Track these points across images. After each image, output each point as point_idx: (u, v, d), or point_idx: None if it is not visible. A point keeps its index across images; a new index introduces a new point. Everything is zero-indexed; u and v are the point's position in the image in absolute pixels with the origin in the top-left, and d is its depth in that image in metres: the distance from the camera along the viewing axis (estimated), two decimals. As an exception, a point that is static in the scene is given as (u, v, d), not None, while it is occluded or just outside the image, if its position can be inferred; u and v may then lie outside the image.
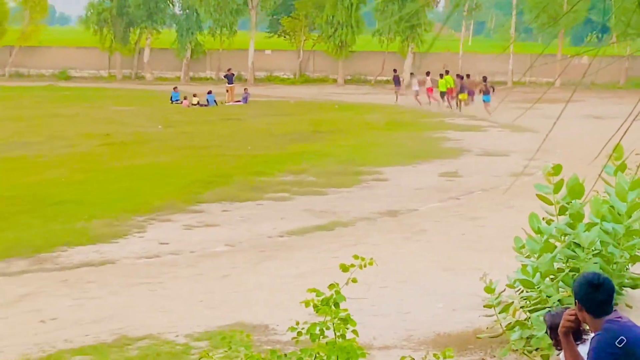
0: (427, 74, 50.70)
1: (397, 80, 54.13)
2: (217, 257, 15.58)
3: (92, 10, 69.71)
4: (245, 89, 51.86)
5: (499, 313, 9.82)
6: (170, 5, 71.59)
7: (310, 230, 17.72)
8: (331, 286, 5.98)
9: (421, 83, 49.84)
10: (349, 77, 68.16)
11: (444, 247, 15.93)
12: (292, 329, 5.91)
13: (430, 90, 49.15)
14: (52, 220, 18.07)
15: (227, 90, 51.92)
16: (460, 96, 46.12)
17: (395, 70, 56.67)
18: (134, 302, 12.55)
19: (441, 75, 48.02)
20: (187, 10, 69.53)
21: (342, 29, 66.62)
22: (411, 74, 57.18)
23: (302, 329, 5.85)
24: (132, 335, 10.95)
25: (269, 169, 25.50)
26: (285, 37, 72.34)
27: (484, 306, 9.94)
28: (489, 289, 9.60)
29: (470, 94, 46.62)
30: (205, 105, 47.57)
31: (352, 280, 5.98)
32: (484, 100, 43.37)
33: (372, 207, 20.13)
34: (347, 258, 6.40)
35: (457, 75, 49.11)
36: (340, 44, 67.00)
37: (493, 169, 26.05)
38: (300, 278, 13.75)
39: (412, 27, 66.31)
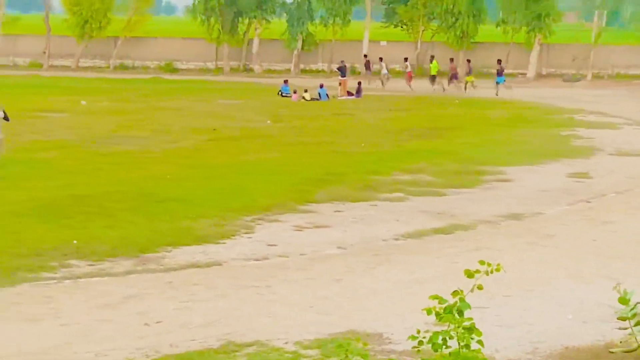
0: (405, 59, 60.52)
1: (367, 66, 60.04)
2: (329, 260, 15.63)
3: (199, 0, 70.75)
4: (358, 83, 51.94)
5: (634, 326, 9.61)
6: (281, -7, 72.25)
7: (428, 234, 17.64)
8: (455, 293, 5.93)
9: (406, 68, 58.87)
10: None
11: (572, 254, 15.67)
12: (413, 337, 5.88)
13: (409, 74, 57.53)
14: (157, 218, 18.39)
15: (340, 84, 52.09)
16: (467, 78, 54.11)
17: (365, 55, 62.91)
18: (242, 306, 12.68)
19: (431, 60, 57.83)
20: (299, -1, 70.07)
21: (463, 19, 66.21)
22: (380, 58, 60.85)
23: (424, 337, 5.82)
24: (240, 341, 11.06)
25: (383, 167, 25.47)
26: (402, 27, 72.19)
27: (618, 318, 9.73)
28: (623, 300, 9.40)
29: (455, 77, 55.10)
30: (317, 100, 47.82)
31: (478, 287, 5.92)
32: (497, 82, 52.10)
33: (494, 209, 19.93)
34: (467, 264, 6.35)
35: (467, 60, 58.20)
36: (461, 35, 66.60)
37: (628, 169, 25.52)
38: (416, 284, 13.70)
39: (539, 16, 65.42)
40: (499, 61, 56.36)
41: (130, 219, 18.30)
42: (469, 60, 57.78)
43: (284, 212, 19.47)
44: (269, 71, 68.89)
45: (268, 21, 71.35)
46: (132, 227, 17.62)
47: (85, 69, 70.01)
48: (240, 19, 71.06)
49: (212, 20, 70.29)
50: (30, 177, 23.36)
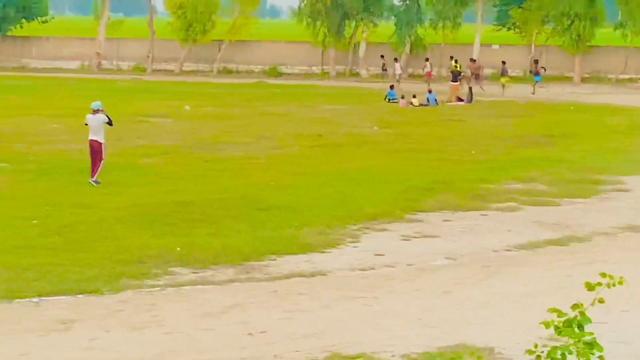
0: (426, 59, 64.27)
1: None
2: (437, 271, 15.58)
3: (305, 2, 71.15)
4: (469, 88, 51.62)
5: None
6: (390, -4, 72.22)
7: (541, 245, 17.46)
8: (575, 306, 5.86)
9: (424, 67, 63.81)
10: (586, 75, 66.63)
11: (695, 269, 15.32)
12: (530, 352, 5.82)
13: (429, 74, 62.30)
14: (261, 226, 18.56)
15: (451, 89, 51.91)
16: (502, 79, 57.41)
17: (382, 56, 67.70)
18: (347, 317, 12.72)
19: (452, 59, 57.91)
20: (407, 2, 69.93)
21: (579, 21, 65.25)
22: (395, 59, 65.41)
23: (541, 352, 5.76)
24: (345, 353, 11.09)
25: (494, 175, 25.28)
26: (515, 30, 71.53)
27: None
28: None
29: (477, 77, 57.17)
30: (425, 105, 47.69)
31: (599, 301, 5.85)
32: (535, 80, 57.08)
33: (611, 220, 19.62)
34: (582, 277, 6.28)
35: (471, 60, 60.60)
36: (577, 38, 65.66)
37: None
38: (528, 297, 13.57)
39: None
40: (536, 61, 60.93)
41: (234, 227, 18.52)
42: (536, 60, 62.08)
43: (391, 220, 19.48)
44: (376, 76, 68.93)
45: (375, 24, 71.38)
46: (236, 234, 17.82)
47: (189, 73, 71.02)
48: (346, 22, 71.26)
49: (318, 23, 70.61)
50: (133, 183, 23.81)
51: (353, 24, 71.42)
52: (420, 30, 70.47)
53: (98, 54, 72.52)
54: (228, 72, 71.09)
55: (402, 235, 18.25)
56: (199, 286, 14.35)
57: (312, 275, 15.14)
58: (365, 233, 18.37)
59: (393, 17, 71.32)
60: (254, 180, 24.33)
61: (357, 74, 70.34)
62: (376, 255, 16.61)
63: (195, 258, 15.87)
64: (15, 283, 14.15)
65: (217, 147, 30.84)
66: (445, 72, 61.44)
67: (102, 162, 23.52)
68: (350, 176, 25.05)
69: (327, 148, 30.89)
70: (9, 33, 74.96)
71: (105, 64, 73.12)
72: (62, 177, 24.52)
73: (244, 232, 18.09)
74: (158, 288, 14.18)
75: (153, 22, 72.80)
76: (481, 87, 56.00)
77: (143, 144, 31.18)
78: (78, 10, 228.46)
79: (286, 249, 16.67)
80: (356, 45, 71.22)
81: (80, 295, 13.66)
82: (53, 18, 78.23)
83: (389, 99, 49.58)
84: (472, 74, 57.05)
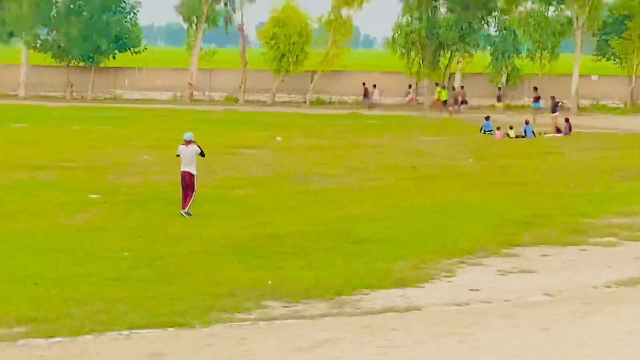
0: (409, 86, 70.35)
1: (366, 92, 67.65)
2: (535, 307, 15.37)
3: (399, 32, 71.22)
4: (567, 119, 51.08)
5: None
6: (485, 25, 71.87)
7: (643, 282, 17.16)
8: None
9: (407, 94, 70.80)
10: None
11: None
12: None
13: (412, 100, 69.64)
14: (354, 259, 18.57)
15: (551, 121, 51.57)
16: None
17: (364, 83, 70.59)
18: (442, 353, 12.61)
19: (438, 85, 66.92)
20: (504, 31, 69.54)
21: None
22: (374, 85, 70.10)
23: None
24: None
25: (594, 209, 24.95)
26: (614, 60, 70.66)
27: None
28: None
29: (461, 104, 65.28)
30: (522, 137, 47.32)
31: None
32: (535, 107, 60.50)
33: None
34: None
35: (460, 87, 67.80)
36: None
37: None
38: (630, 335, 13.31)
39: None
40: (535, 89, 63.93)
41: (326, 260, 18.55)
42: (460, 87, 68.51)
43: (486, 255, 19.34)
44: (471, 106, 68.61)
45: (471, 55, 71.12)
46: (328, 268, 17.85)
47: (281, 103, 71.53)
48: (441, 52, 71.14)
49: (412, 53, 70.56)
50: (225, 214, 24.03)
51: (448, 54, 71.25)
52: (517, 61, 70.00)
53: (190, 84, 73.50)
54: (321, 102, 71.41)
55: (499, 270, 18.09)
56: (291, 320, 14.37)
57: (406, 310, 15.06)
58: (460, 267, 18.26)
59: (489, 47, 70.94)
60: (347, 212, 24.37)
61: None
62: (471, 290, 16.49)
63: (287, 291, 15.91)
64: (107, 315, 14.34)
65: (309, 178, 30.97)
66: (536, 101, 60.75)
67: (194, 193, 23.80)
68: (445, 209, 24.96)
69: (422, 180, 30.80)
70: (102, 64, 76.41)
71: (197, 94, 74.04)
72: (153, 209, 24.86)
73: (336, 265, 18.11)
74: (249, 322, 14.22)
75: (245, 52, 73.52)
76: (451, 114, 62.59)
77: (234, 175, 31.45)
78: (171, 41, 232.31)
79: (379, 283, 16.62)
80: (451, 76, 71.03)
81: (170, 329, 13.77)
82: (146, 49, 79.39)
83: (485, 131, 49.31)
84: (455, 101, 64.25)
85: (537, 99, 61.55)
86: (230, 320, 14.30)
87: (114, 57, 76.69)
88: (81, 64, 76.10)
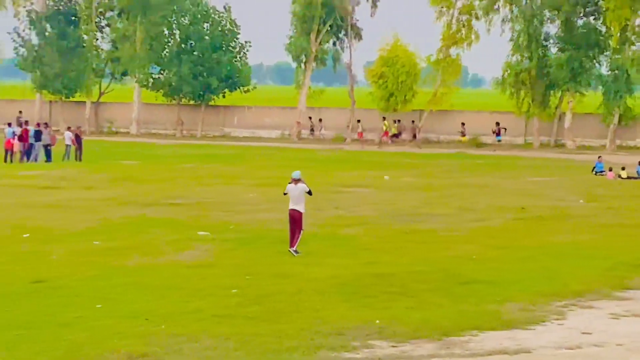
0: (358, 121, 72.29)
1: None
2: (649, 353, 15.09)
3: (509, 71, 70.83)
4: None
5: None
6: (597, 65, 71.03)
7: None
8: None
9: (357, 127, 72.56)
10: None
11: None
12: None
13: (360, 134, 71.96)
14: (462, 300, 18.45)
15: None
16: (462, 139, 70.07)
17: (310, 118, 74.54)
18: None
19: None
20: (617, 71, 68.55)
21: None
22: (358, 121, 72.37)
23: None
24: None
25: None
26: None
27: None
28: None
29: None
30: (635, 178, 46.54)
31: None
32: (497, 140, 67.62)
33: None
34: None
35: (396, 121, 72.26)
36: None
37: None
38: None
39: None
40: (497, 124, 70.43)
41: (434, 301, 18.48)
42: (497, 123, 71.15)
43: (598, 298, 19.06)
44: (582, 147, 67.81)
45: (582, 94, 70.31)
46: (436, 308, 17.77)
47: (389, 143, 71.55)
48: (552, 92, 70.52)
49: (522, 93, 70.12)
50: (333, 253, 24.10)
51: (559, 94, 70.59)
52: (630, 101, 68.95)
53: (298, 123, 74.11)
54: (428, 142, 71.30)
55: (611, 314, 17.79)
56: (398, 360, 14.35)
57: (516, 352, 14.91)
58: (571, 310, 18.01)
59: (601, 87, 70.00)
60: (455, 253, 24.25)
61: (563, 145, 69.32)
62: (583, 333, 16.25)
63: (395, 331, 15.88)
64: (215, 351, 14.50)
65: (416, 218, 30.90)
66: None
67: (302, 231, 23.94)
68: (555, 251, 24.66)
69: (531, 221, 30.49)
70: (212, 102, 77.59)
71: (305, 133, 74.59)
72: (261, 247, 25.06)
73: (444, 306, 18.02)
74: (356, 361, 14.24)
75: (353, 91, 73.84)
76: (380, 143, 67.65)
77: (342, 214, 31.54)
78: (279, 80, 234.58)
79: (488, 325, 16.49)
80: (562, 116, 70.30)
81: (272, 368, 13.86)
82: (255, 87, 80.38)
83: (597, 171, 48.64)
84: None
85: (498, 133, 64.66)
86: (337, 359, 14.33)
87: (223, 96, 77.84)
88: (191, 102, 77.42)
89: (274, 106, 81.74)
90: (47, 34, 79.47)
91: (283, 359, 14.16)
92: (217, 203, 34.08)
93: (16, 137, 51.48)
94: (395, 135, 72.33)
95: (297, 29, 75.01)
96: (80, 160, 52.32)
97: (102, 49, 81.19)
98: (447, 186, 41.27)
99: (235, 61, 77.81)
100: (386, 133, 71.74)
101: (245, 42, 78.71)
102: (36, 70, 79.40)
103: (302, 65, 76.06)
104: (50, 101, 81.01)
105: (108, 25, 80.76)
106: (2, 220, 29.12)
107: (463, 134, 71.96)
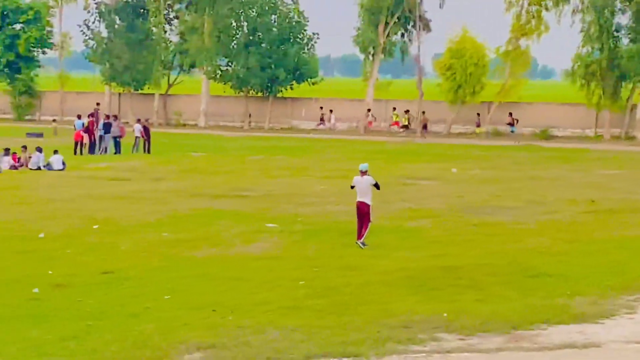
0: (368, 110, 73.81)
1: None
2: None
3: (579, 63, 70.07)
4: None
5: None
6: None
7: None
8: None
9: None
10: None
11: None
12: None
13: (370, 124, 73.61)
14: (531, 294, 18.34)
15: None
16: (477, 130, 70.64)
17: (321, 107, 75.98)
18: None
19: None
20: (690, 62, 67.52)
21: None
22: (368, 110, 74.01)
23: None
24: None
25: None
26: None
27: None
28: None
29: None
30: None
31: None
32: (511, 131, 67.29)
33: None
34: None
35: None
36: None
37: None
38: None
39: None
40: (510, 114, 68.88)
41: (503, 293, 18.39)
42: (510, 113, 69.24)
43: (669, 292, 18.82)
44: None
45: (654, 85, 69.34)
46: (504, 301, 17.68)
47: (457, 134, 71.26)
48: (623, 83, 69.64)
49: (593, 84, 69.32)
50: (400, 246, 24.11)
51: (630, 85, 69.69)
52: None
53: (366, 115, 74.07)
54: (497, 134, 70.81)
55: (682, 308, 17.58)
56: (466, 353, 14.30)
57: (585, 346, 14.79)
58: (641, 304, 17.83)
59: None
60: (524, 246, 24.12)
61: (633, 138, 68.46)
62: (654, 328, 16.08)
63: (462, 324, 15.83)
64: (283, 343, 14.58)
65: (484, 210, 30.75)
66: None
67: (369, 224, 23.96)
68: (625, 244, 24.39)
69: (601, 214, 30.17)
70: (279, 95, 77.84)
71: (375, 125, 74.50)
72: (329, 239, 25.14)
73: (513, 299, 17.93)
74: (424, 354, 14.21)
75: (422, 83, 73.62)
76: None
77: (409, 206, 31.48)
78: (347, 72, 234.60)
79: (557, 319, 16.36)
80: (633, 108, 69.42)
81: (345, 359, 13.90)
82: (322, 80, 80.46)
83: (668, 164, 48.01)
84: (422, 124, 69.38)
85: (511, 124, 64.38)
86: (404, 351, 14.33)
87: (291, 88, 78.02)
88: (259, 94, 77.72)
89: (342, 98, 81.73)
90: (116, 26, 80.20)
91: (350, 351, 14.18)
92: (285, 195, 34.21)
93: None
94: (406, 126, 72.13)
95: (364, 21, 74.85)
96: (148, 152, 52.83)
97: (170, 41, 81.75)
98: (516, 179, 40.97)
99: (303, 53, 77.85)
100: (396, 123, 72.71)
101: (313, 34, 78.78)
102: (105, 62, 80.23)
103: (370, 57, 75.92)
104: (119, 93, 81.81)
105: (176, 17, 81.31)
106: (72, 212, 29.54)
107: (478, 125, 71.45)
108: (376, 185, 24.05)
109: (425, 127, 70.17)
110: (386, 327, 15.67)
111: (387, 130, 72.07)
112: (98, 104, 74.64)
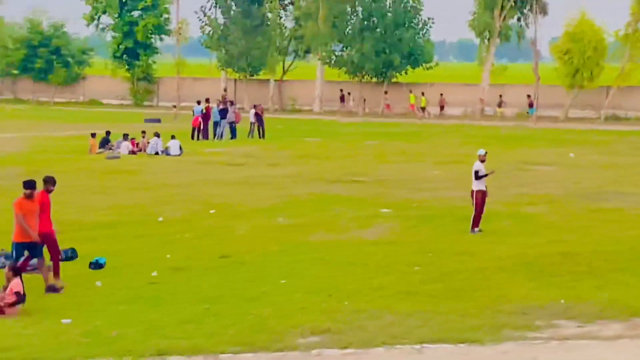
0: (385, 92, 76.84)
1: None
2: None
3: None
4: None
5: None
6: None
7: None
8: None
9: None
10: None
11: None
12: None
13: (387, 106, 76.86)
14: (652, 281, 18.05)
15: None
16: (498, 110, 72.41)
17: (341, 90, 78.22)
18: None
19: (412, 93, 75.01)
20: None
21: None
22: (385, 92, 76.88)
23: None
24: None
25: None
26: None
27: None
28: None
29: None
30: None
31: None
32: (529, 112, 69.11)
33: None
34: None
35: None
36: None
37: None
38: None
39: None
40: (529, 96, 70.44)
41: (622, 280, 18.11)
42: (529, 95, 70.62)
43: None
44: None
45: None
46: (624, 288, 17.40)
47: (574, 119, 70.16)
48: None
49: None
50: (516, 232, 23.89)
51: None
52: None
53: (481, 100, 73.49)
54: (616, 119, 69.56)
55: None
56: (584, 341, 14.12)
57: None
58: None
59: None
60: (643, 232, 23.67)
61: None
62: None
63: (580, 311, 15.64)
64: (398, 328, 14.59)
65: (602, 196, 30.25)
66: None
67: (483, 210, 23.76)
68: None
69: None
70: (394, 80, 77.70)
71: (488, 110, 73.86)
72: (444, 224, 25.04)
73: (632, 285, 17.63)
74: (541, 341, 14.08)
75: (538, 67, 72.64)
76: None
77: (526, 192, 31.15)
78: (462, 57, 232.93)
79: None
80: None
81: (461, 344, 13.85)
82: (437, 64, 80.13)
83: None
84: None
85: (531, 105, 66.52)
86: (521, 338, 14.21)
87: (406, 73, 77.82)
88: (374, 79, 77.69)
89: (457, 83, 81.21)
90: (232, 12, 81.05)
91: (466, 337, 14.12)
92: (400, 180, 34.18)
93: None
94: (423, 109, 73.48)
95: (480, 5, 74.23)
96: (263, 137, 53.22)
97: (285, 27, 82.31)
98: (636, 164, 40.16)
99: (418, 38, 77.63)
100: (412, 106, 74.44)
101: (428, 18, 78.49)
102: (221, 48, 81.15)
103: (486, 41, 75.32)
104: (235, 79, 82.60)
105: (291, 3, 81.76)
106: (190, 197, 30.00)
107: (499, 105, 72.76)
108: (476, 173, 23.72)
109: (442, 108, 74.43)
110: (502, 313, 15.57)
111: (495, 115, 72.15)
112: (225, 90, 75.68)
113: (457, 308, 15.94)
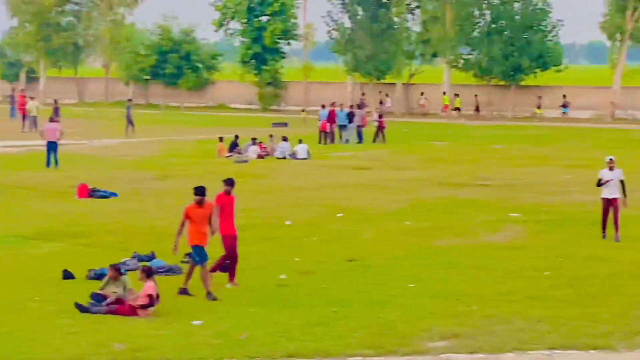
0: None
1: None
2: None
3: None
4: None
5: None
6: None
7: None
8: None
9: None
10: None
11: None
12: None
13: (422, 105, 78.57)
14: None
15: None
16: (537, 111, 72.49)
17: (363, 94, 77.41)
18: None
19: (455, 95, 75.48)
20: None
21: None
22: (421, 93, 78.66)
23: None
24: None
25: None
26: None
27: None
28: None
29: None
30: None
31: None
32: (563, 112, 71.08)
33: None
34: None
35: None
36: None
37: None
38: None
39: None
40: (564, 96, 72.18)
41: None
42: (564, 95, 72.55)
43: None
44: None
45: None
46: None
47: None
48: None
49: None
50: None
51: None
52: None
53: (612, 103, 72.13)
54: None
55: None
56: None
57: None
58: None
59: None
60: None
61: None
62: None
63: None
64: (528, 334, 14.44)
65: None
66: None
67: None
68: None
69: None
70: (522, 82, 76.81)
71: (619, 113, 72.42)
72: (574, 229, 24.66)
73: None
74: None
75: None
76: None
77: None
78: (593, 59, 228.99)
79: None
80: None
81: (592, 351, 13.63)
82: (567, 67, 78.94)
83: None
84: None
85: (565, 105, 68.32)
86: (656, 346, 13.92)
87: (535, 76, 76.87)
88: (501, 82, 76.95)
89: (587, 86, 79.81)
90: (358, 17, 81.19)
91: (597, 343, 13.90)
92: (528, 184, 33.79)
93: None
94: (457, 109, 74.42)
95: (612, 6, 72.91)
96: (383, 141, 52.78)
97: (412, 31, 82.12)
98: None
99: (547, 40, 76.60)
100: (445, 107, 75.31)
101: (557, 20, 77.36)
102: (348, 53, 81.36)
103: (617, 43, 73.91)
104: (362, 83, 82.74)
105: (418, 7, 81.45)
106: (317, 200, 30.14)
107: (538, 107, 73.39)
108: (622, 183, 23.22)
109: (477, 109, 75.46)
110: (636, 320, 15.30)
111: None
112: (363, 94, 76.22)
113: (589, 314, 15.71)
